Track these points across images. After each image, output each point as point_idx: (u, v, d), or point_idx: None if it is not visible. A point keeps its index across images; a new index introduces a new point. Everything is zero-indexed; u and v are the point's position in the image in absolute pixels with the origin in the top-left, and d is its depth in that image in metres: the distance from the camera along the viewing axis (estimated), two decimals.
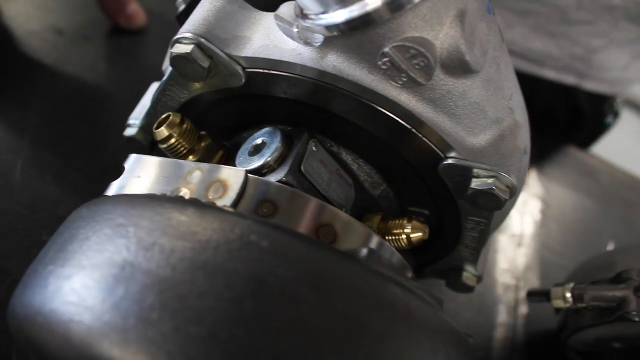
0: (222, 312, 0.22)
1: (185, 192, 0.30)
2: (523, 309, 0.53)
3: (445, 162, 0.31)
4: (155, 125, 0.34)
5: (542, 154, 0.65)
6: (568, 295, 0.42)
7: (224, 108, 0.34)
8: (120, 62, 0.58)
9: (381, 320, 0.23)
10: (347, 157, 0.34)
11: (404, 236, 0.32)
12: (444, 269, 0.40)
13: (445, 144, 0.31)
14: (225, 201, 0.29)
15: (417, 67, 0.28)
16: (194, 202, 0.27)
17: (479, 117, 0.31)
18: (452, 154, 0.31)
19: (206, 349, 0.21)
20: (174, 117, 0.33)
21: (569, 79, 0.63)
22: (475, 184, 0.31)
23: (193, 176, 0.31)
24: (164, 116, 0.34)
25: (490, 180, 0.31)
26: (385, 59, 0.28)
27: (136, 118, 0.38)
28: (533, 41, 0.59)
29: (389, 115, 0.30)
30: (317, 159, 0.32)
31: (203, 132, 0.35)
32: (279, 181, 0.30)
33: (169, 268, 0.23)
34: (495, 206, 0.31)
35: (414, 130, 0.30)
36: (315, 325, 0.22)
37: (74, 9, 0.61)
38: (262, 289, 0.22)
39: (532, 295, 0.44)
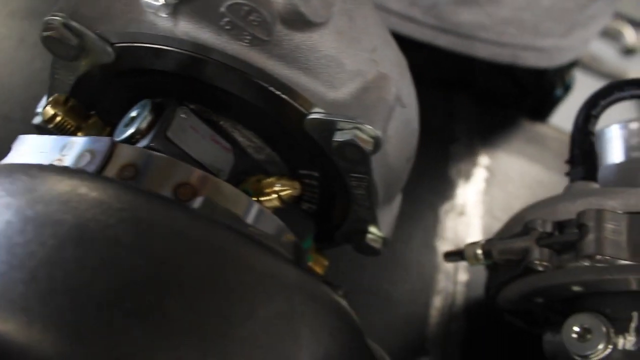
0: (44, 257, 0.23)
1: (57, 163, 0.32)
2: (463, 277, 0.53)
3: (308, 118, 0.32)
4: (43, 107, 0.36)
5: (488, 123, 0.65)
6: (479, 252, 0.42)
7: (108, 87, 0.36)
8: None
9: (202, 264, 0.24)
10: (225, 123, 0.36)
11: (274, 195, 0.33)
12: (350, 233, 0.41)
13: (305, 100, 0.32)
14: (91, 167, 0.30)
15: (254, 23, 0.29)
16: (47, 167, 0.28)
17: (337, 70, 0.32)
18: (315, 110, 0.32)
19: (26, 290, 0.23)
20: (59, 97, 0.35)
21: (503, 55, 0.63)
22: (337, 136, 0.32)
23: (67, 149, 0.32)
24: (51, 98, 0.36)
25: (352, 132, 0.31)
26: (226, 19, 0.29)
27: (41, 106, 0.40)
28: (462, 14, 0.59)
29: (245, 76, 0.31)
30: (187, 125, 0.33)
31: (92, 112, 0.37)
32: (145, 147, 0.32)
33: (4, 223, 0.25)
34: (361, 158, 0.32)
35: (271, 88, 0.31)
36: (129, 265, 0.23)
37: None
38: (83, 235, 0.24)
39: (448, 255, 0.44)
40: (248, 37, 0.30)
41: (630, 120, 0.48)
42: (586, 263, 0.36)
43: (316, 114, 0.32)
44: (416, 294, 0.52)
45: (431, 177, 0.58)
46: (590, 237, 0.36)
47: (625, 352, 0.40)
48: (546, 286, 0.41)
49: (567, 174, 0.44)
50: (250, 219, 0.31)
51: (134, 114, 0.34)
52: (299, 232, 0.38)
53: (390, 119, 0.34)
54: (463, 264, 0.54)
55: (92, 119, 0.36)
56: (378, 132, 0.32)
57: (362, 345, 0.31)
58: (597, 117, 0.45)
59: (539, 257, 0.38)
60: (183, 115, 0.33)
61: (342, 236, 0.42)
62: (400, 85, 0.35)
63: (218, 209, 0.27)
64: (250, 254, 0.26)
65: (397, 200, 0.42)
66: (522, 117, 0.68)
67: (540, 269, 0.39)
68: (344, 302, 0.30)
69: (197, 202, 0.27)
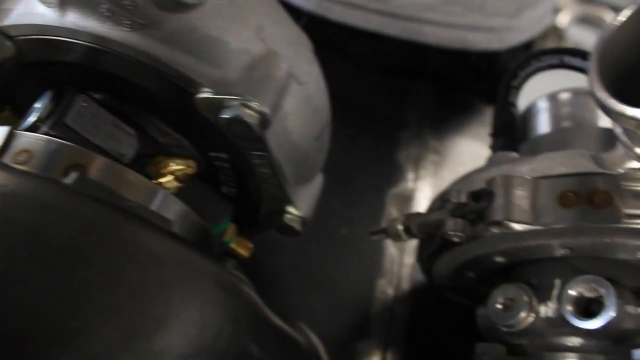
0: None
1: None
2: (408, 259, 0.53)
3: (197, 98, 0.33)
4: None
5: (442, 108, 0.65)
6: (400, 227, 0.42)
7: (18, 80, 0.37)
8: None
9: (65, 232, 0.25)
10: (128, 109, 0.37)
11: (170, 175, 0.34)
12: (269, 214, 0.41)
13: (192, 81, 0.32)
14: None
15: (129, 8, 0.30)
16: None
17: (221, 49, 0.33)
18: (203, 90, 0.33)
19: None
20: None
21: (453, 39, 0.63)
22: (224, 113, 0.32)
23: None
24: None
25: (238, 109, 0.32)
26: (104, 6, 0.31)
27: None
28: None
29: (132, 61, 0.32)
30: (87, 112, 0.34)
31: (7, 107, 0.38)
32: (44, 134, 0.33)
33: None
34: (250, 134, 0.33)
35: (157, 71, 0.32)
36: None
37: None
38: None
39: (373, 233, 0.44)
40: (128, 22, 0.31)
41: (559, 91, 0.47)
42: (495, 230, 0.36)
43: (204, 94, 0.33)
44: (362, 278, 0.52)
45: (379, 162, 0.58)
46: (498, 203, 0.36)
47: (547, 319, 0.39)
48: (468, 259, 0.40)
49: (491, 147, 0.44)
50: (142, 199, 0.32)
51: (37, 104, 0.35)
52: (214, 214, 0.39)
53: (283, 95, 0.34)
54: (410, 247, 0.54)
55: (5, 112, 0.37)
56: (264, 108, 0.32)
57: (254, 316, 0.31)
58: (517, 88, 0.45)
59: (453, 228, 0.38)
60: (83, 104, 0.35)
61: (264, 219, 0.42)
62: (296, 63, 0.36)
63: (92, 184, 0.28)
64: (117, 224, 0.27)
65: (317, 181, 0.43)
66: (477, 100, 0.67)
67: (456, 239, 0.38)
68: (233, 275, 0.31)
69: (70, 178, 0.28)
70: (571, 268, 0.39)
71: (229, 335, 0.28)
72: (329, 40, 0.63)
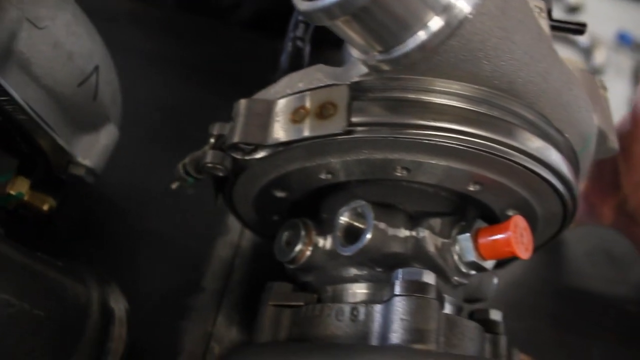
0: None
1: None
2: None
3: None
4: None
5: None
6: (182, 171, 0.41)
7: None
8: None
9: None
10: None
11: None
12: (56, 166, 0.42)
13: None
14: None
15: None
16: None
17: None
18: None
19: None
20: None
21: None
22: None
23: None
24: None
25: None
26: None
27: None
28: None
29: None
30: None
31: None
32: None
33: None
34: None
35: None
36: None
37: None
38: None
39: (172, 182, 0.44)
40: None
41: None
42: (234, 154, 0.35)
43: None
44: (203, 236, 0.51)
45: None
46: (236, 127, 0.35)
47: (325, 251, 0.38)
48: (249, 195, 0.39)
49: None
50: None
51: None
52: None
53: (13, 39, 0.35)
54: None
55: None
56: None
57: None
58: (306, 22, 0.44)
59: (211, 160, 0.37)
60: None
61: (56, 170, 0.43)
62: (32, 7, 0.36)
63: None
64: None
65: (107, 133, 0.43)
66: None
67: (219, 173, 0.37)
68: None
69: None
70: (353, 197, 0.38)
71: None
72: None
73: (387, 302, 0.32)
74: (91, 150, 0.41)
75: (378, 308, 0.33)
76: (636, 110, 0.51)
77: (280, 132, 0.34)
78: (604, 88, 0.47)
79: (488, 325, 0.39)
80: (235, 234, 0.52)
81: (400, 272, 0.33)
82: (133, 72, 0.59)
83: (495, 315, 0.40)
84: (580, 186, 0.53)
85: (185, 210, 0.52)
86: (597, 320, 0.56)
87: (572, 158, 0.36)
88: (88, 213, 0.50)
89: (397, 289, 0.32)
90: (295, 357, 0.30)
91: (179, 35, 0.68)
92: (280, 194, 0.39)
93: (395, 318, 0.31)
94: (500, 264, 0.48)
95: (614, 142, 0.44)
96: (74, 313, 0.38)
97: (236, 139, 0.34)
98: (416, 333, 0.31)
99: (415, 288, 0.32)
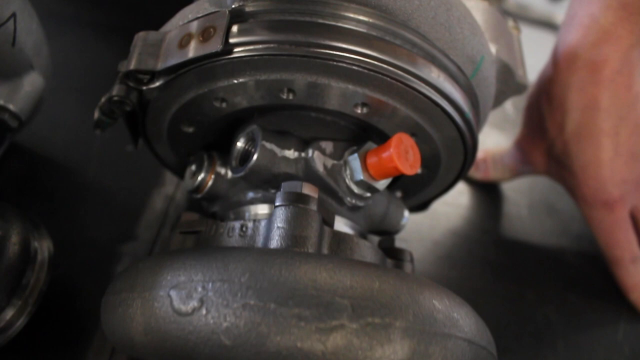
0: None
1: None
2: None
3: None
4: None
5: None
6: (99, 113, 0.43)
7: None
8: None
9: None
10: None
11: None
12: None
13: None
14: None
15: None
16: None
17: None
18: None
19: None
20: None
21: None
22: None
23: None
24: None
25: None
26: None
27: None
28: None
29: None
30: None
31: None
32: None
33: None
34: None
35: None
36: None
37: None
38: None
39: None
40: None
41: None
42: (132, 84, 0.37)
43: None
44: (140, 189, 0.53)
45: None
46: (131, 56, 0.37)
47: (226, 180, 0.40)
48: (159, 127, 0.41)
49: None
50: None
51: None
52: None
53: None
54: None
55: None
56: None
57: None
58: None
59: (116, 93, 0.38)
60: None
61: None
62: None
63: None
64: None
65: (32, 80, 0.45)
66: None
67: (127, 108, 0.39)
68: None
69: None
70: (257, 126, 0.39)
71: None
72: None
73: (270, 215, 0.34)
74: (13, 95, 0.43)
75: (264, 222, 0.34)
76: (555, 53, 0.51)
77: (168, 58, 0.35)
78: (517, 29, 0.48)
79: (392, 252, 0.40)
80: (171, 187, 0.54)
81: (282, 186, 0.34)
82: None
83: (401, 243, 0.40)
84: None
85: (124, 166, 0.54)
86: (534, 269, 0.57)
87: (461, 81, 0.37)
88: (29, 170, 0.52)
89: (278, 201, 0.33)
90: (180, 257, 0.31)
91: None
92: (187, 128, 0.41)
93: (274, 227, 0.32)
94: (424, 205, 0.49)
95: (522, 78, 0.45)
96: None
97: (131, 66, 0.36)
98: (292, 239, 0.32)
99: (294, 198, 0.33)
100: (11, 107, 0.43)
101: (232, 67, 0.35)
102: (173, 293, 0.28)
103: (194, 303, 0.27)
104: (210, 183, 0.39)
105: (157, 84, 0.37)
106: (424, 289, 0.29)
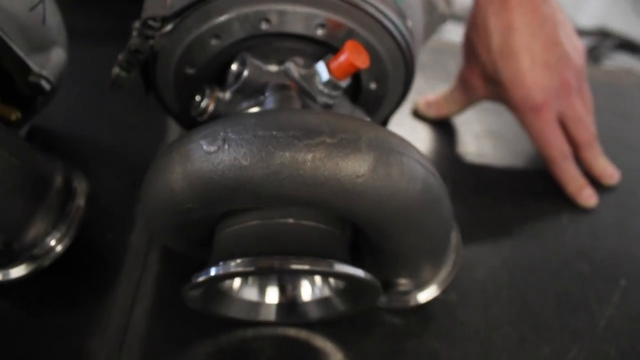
0: None
1: None
2: None
3: None
4: None
5: None
6: (117, 68, 0.54)
7: None
8: None
9: None
10: None
11: None
12: (22, 80, 0.54)
13: None
14: None
15: None
16: None
17: None
18: None
19: None
20: None
21: None
22: None
23: None
24: None
25: None
26: None
27: None
28: None
29: None
30: None
31: None
32: None
33: None
34: None
35: None
36: None
37: None
38: None
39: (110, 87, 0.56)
40: None
41: None
42: (147, 32, 0.48)
43: None
44: (145, 148, 0.64)
45: None
46: (144, 7, 0.48)
47: (225, 102, 0.51)
48: (167, 72, 0.52)
49: None
50: None
51: None
52: None
53: None
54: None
55: None
56: None
57: None
58: None
59: (133, 43, 0.49)
60: None
61: (21, 85, 0.55)
62: None
63: None
64: None
65: (57, 53, 0.55)
66: None
67: (142, 57, 0.50)
68: None
69: None
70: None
71: None
72: None
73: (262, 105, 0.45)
74: (45, 64, 0.54)
75: None
76: None
77: (175, 4, 0.47)
78: None
79: None
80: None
81: (270, 84, 0.46)
82: None
83: None
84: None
85: (132, 132, 0.65)
86: (487, 187, 0.68)
87: (392, 5, 0.50)
88: (54, 136, 0.62)
89: (268, 92, 0.45)
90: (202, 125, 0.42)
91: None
92: (189, 70, 0.52)
93: (267, 107, 0.44)
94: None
95: (444, 9, 0.58)
96: (41, 174, 0.49)
97: (145, 15, 0.47)
98: None
99: (279, 87, 0.44)
100: (45, 72, 0.54)
101: (223, 4, 0.47)
102: (202, 141, 0.38)
103: (218, 143, 0.38)
104: (212, 106, 0.50)
105: (167, 28, 0.48)
106: (381, 128, 0.41)
